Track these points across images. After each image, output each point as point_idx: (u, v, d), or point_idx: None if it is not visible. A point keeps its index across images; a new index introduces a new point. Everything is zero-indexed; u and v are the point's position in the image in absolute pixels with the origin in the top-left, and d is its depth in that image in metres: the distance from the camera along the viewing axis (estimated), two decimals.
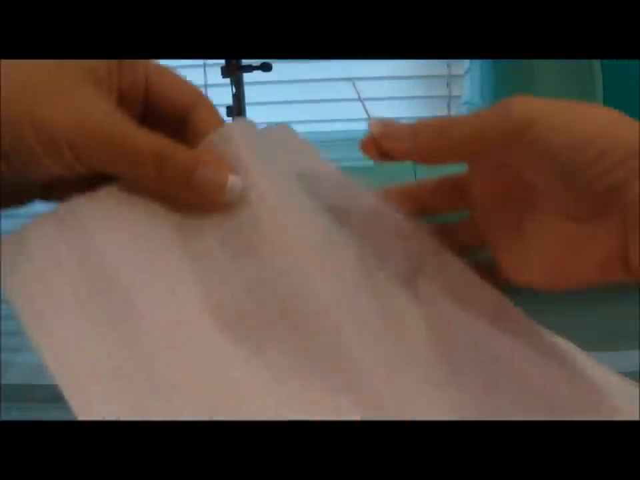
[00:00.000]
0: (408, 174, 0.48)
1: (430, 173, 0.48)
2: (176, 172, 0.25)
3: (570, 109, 0.26)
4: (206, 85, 0.94)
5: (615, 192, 0.24)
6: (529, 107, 0.26)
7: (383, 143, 0.29)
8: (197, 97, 0.29)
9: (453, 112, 0.97)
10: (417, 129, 0.28)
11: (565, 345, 0.29)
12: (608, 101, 0.46)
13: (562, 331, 0.46)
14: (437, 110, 0.98)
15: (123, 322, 0.25)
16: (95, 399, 0.24)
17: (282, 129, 0.33)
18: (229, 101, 0.58)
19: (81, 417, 0.24)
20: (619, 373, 0.41)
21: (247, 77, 0.58)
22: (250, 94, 0.59)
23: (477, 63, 0.55)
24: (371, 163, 0.52)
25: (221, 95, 0.63)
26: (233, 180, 0.26)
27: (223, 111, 0.58)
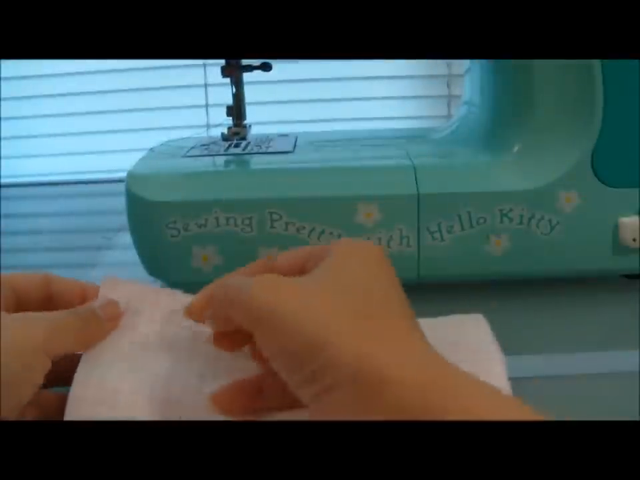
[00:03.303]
0: (408, 175, 0.48)
1: (431, 178, 0.48)
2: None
3: (305, 306, 0.26)
4: (206, 85, 0.94)
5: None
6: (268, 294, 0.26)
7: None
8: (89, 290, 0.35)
9: (453, 111, 0.97)
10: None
11: None
12: (608, 101, 0.46)
13: (562, 331, 0.46)
14: (437, 109, 0.98)
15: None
16: None
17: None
18: (229, 100, 0.58)
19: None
20: (619, 373, 0.41)
21: (247, 76, 0.58)
22: (250, 94, 0.59)
23: (477, 62, 0.55)
24: (370, 163, 0.52)
25: (220, 95, 0.63)
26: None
27: (223, 111, 0.58)
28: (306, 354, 0.25)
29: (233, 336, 0.30)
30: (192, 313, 0.32)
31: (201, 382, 0.31)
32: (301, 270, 0.30)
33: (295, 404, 0.27)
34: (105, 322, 0.32)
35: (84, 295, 0.35)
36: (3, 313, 0.30)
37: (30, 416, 0.30)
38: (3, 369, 0.27)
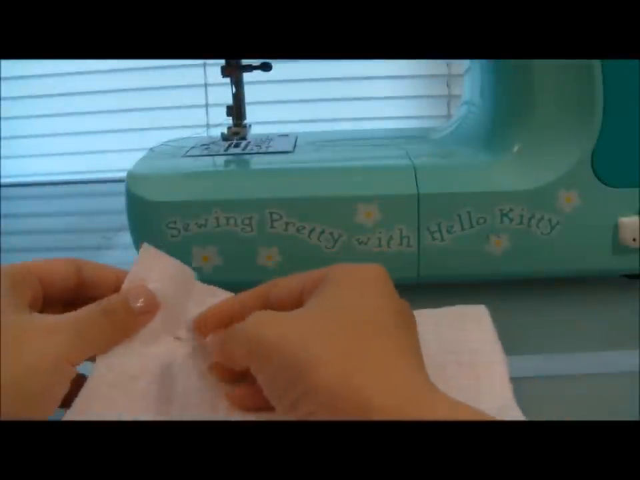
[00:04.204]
0: (408, 175, 0.48)
1: (431, 178, 0.48)
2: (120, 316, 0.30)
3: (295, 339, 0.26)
4: (206, 85, 0.94)
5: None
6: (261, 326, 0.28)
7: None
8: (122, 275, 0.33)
9: (453, 111, 0.97)
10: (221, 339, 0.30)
11: None
12: (608, 101, 0.46)
13: (562, 331, 0.46)
14: (437, 109, 0.98)
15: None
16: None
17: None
18: (229, 100, 0.58)
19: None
20: (619, 373, 0.41)
21: (247, 76, 0.58)
22: (250, 94, 0.59)
23: (477, 62, 0.55)
24: (370, 163, 0.52)
25: (220, 95, 0.63)
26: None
27: (223, 111, 0.58)
28: (289, 381, 0.25)
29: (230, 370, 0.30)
30: (199, 326, 0.32)
31: (204, 384, 0.31)
32: (298, 297, 0.30)
33: None
34: (137, 317, 0.30)
35: (118, 282, 0.32)
36: (26, 314, 0.28)
37: None
38: (25, 387, 0.26)
